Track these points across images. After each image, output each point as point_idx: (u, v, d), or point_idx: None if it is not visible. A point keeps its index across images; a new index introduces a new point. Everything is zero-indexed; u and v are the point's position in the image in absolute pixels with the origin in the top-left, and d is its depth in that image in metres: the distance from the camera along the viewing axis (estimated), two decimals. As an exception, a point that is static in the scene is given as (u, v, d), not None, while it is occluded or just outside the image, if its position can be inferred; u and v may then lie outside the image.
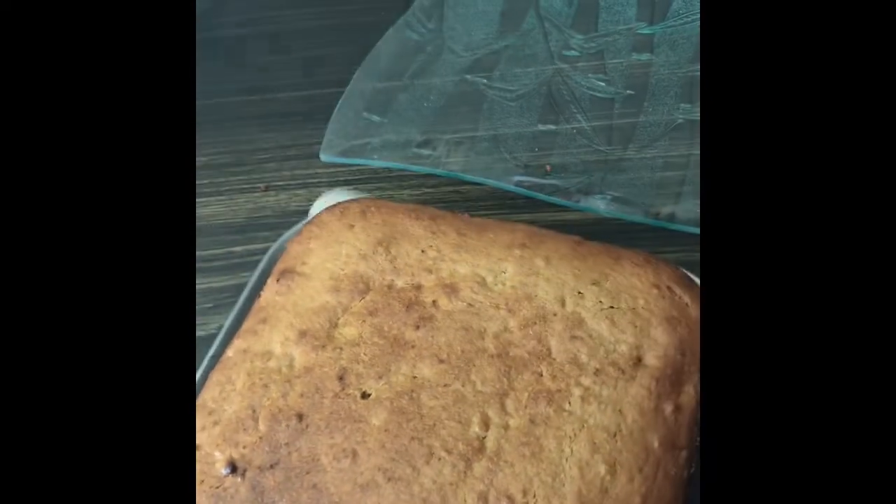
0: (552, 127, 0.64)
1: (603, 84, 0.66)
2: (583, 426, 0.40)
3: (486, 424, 0.40)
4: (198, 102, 0.69)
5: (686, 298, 0.45)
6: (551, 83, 0.67)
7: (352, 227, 0.48)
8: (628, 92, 0.66)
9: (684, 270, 0.47)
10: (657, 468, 0.39)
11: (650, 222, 0.57)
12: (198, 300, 0.55)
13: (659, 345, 0.42)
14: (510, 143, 0.63)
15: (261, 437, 0.41)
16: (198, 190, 0.63)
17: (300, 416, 0.41)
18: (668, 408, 0.41)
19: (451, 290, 0.44)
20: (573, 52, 0.69)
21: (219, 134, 0.67)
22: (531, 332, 0.42)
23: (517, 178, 0.60)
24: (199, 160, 0.65)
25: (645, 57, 0.68)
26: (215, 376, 0.44)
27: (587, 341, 0.42)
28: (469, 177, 0.61)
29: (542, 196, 0.59)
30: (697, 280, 0.47)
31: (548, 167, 0.61)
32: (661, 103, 0.64)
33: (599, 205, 0.58)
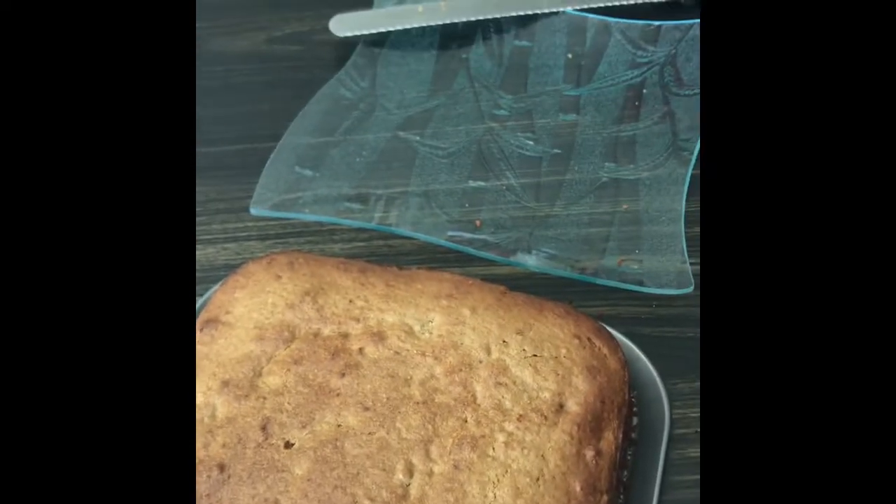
0: (482, 183, 0.67)
1: (531, 143, 0.70)
2: (506, 471, 0.41)
3: (410, 471, 0.41)
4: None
5: (605, 349, 0.48)
6: (482, 141, 0.70)
7: (279, 277, 0.50)
8: (555, 151, 0.70)
9: (602, 324, 0.50)
10: (579, 513, 0.41)
11: (575, 277, 0.60)
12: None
13: (580, 392, 0.45)
14: (441, 199, 0.66)
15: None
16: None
17: (222, 467, 0.42)
18: (590, 453, 0.43)
19: (378, 338, 0.46)
20: (503, 112, 0.73)
21: None
22: (457, 379, 0.44)
23: (449, 233, 0.63)
24: (125, 212, 0.66)
25: (571, 117, 0.72)
26: None
27: (511, 388, 0.44)
28: (401, 231, 0.63)
29: (471, 250, 0.62)
30: (615, 333, 0.51)
31: (477, 222, 0.64)
32: (586, 162, 0.68)
33: (529, 260, 0.61)
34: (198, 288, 0.55)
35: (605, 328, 0.49)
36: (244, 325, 0.47)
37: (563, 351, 0.46)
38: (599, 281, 0.60)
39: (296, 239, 0.63)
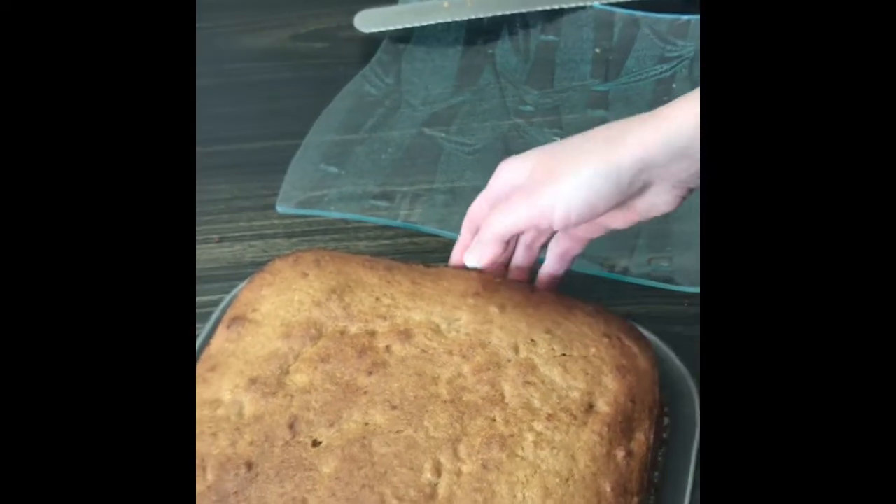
0: (508, 181, 0.67)
1: (558, 139, 0.70)
2: (535, 471, 0.41)
3: (438, 471, 0.41)
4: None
5: (635, 349, 0.47)
6: (508, 137, 0.70)
7: (305, 275, 0.50)
8: (583, 147, 0.69)
9: (632, 322, 0.50)
10: (609, 514, 0.41)
11: (605, 275, 0.60)
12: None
13: (610, 392, 0.44)
14: (467, 196, 0.65)
15: (209, 487, 0.41)
16: (149, 241, 0.64)
17: (249, 465, 0.42)
18: (620, 453, 0.43)
19: (405, 336, 0.46)
20: (529, 108, 0.72)
21: None
22: (485, 378, 0.44)
23: None
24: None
25: (600, 113, 0.72)
26: None
27: (540, 387, 0.44)
28: (426, 228, 0.63)
29: (498, 248, 0.61)
30: (645, 332, 0.50)
31: None
32: (614, 158, 0.68)
33: None
34: (224, 285, 0.55)
35: (635, 327, 0.49)
36: (271, 323, 0.47)
37: (593, 350, 0.46)
38: (629, 279, 0.59)
39: (321, 236, 0.63)
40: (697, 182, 0.43)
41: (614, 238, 0.62)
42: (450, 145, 0.69)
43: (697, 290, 0.57)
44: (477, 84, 0.75)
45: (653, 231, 0.62)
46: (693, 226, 0.61)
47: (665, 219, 0.62)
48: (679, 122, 0.40)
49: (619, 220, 0.47)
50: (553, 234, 0.50)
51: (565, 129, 0.70)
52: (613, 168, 0.42)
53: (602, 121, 0.71)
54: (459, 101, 0.74)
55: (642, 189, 0.43)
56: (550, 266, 0.51)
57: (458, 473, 0.41)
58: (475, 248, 0.47)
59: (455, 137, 0.70)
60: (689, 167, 0.42)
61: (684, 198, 0.45)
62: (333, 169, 0.68)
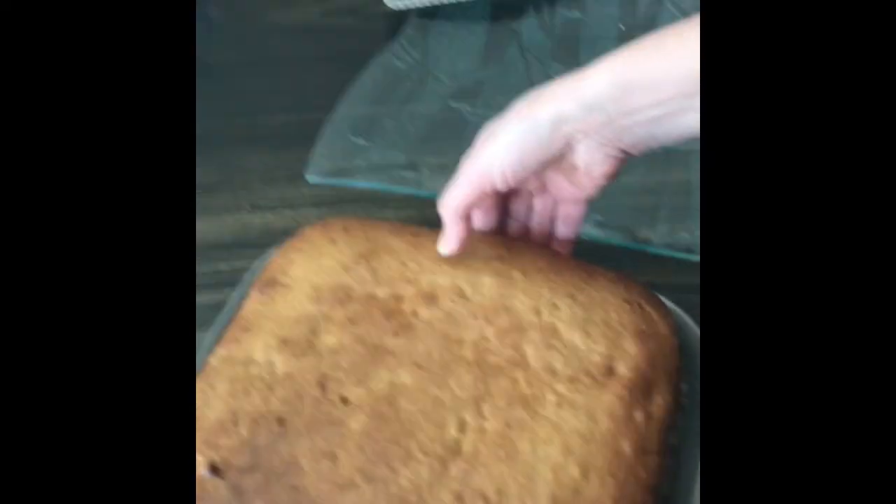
0: (534, 153, 0.68)
1: None
2: (557, 430, 0.43)
3: (462, 427, 0.43)
4: (189, 125, 0.72)
5: (655, 315, 0.48)
6: (532, 112, 0.71)
7: (334, 241, 0.51)
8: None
9: (653, 291, 0.51)
10: (628, 473, 0.42)
11: (627, 245, 0.61)
12: (181, 316, 0.58)
13: (630, 356, 0.46)
14: (492, 168, 0.67)
15: (242, 441, 0.43)
16: (185, 208, 0.66)
17: (280, 421, 0.44)
18: (640, 415, 0.44)
19: (431, 299, 0.48)
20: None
21: (206, 154, 0.70)
22: (508, 341, 0.46)
23: None
24: (188, 181, 0.69)
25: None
26: (198, 383, 0.46)
27: (562, 350, 0.46)
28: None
29: (522, 219, 0.63)
30: (665, 300, 0.51)
31: None
32: (639, 133, 0.69)
33: (581, 228, 0.62)
34: (255, 251, 0.57)
35: (655, 294, 0.50)
36: (301, 287, 0.49)
37: (614, 315, 0.47)
38: (651, 249, 0.60)
39: (350, 206, 0.65)
40: (630, 145, 0.45)
41: (636, 209, 0.63)
42: (475, 119, 0.71)
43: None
44: (503, 59, 0.76)
45: (674, 202, 0.63)
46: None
47: (685, 191, 0.64)
48: (592, 80, 0.43)
49: (575, 184, 0.48)
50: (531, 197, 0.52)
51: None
52: (533, 122, 0.45)
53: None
54: (485, 75, 0.75)
55: (568, 146, 0.45)
56: (558, 231, 0.53)
57: (482, 430, 0.43)
58: (441, 234, 0.49)
59: (480, 111, 0.71)
60: (607, 123, 0.43)
61: (620, 160, 0.46)
62: (362, 141, 0.69)
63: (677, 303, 0.53)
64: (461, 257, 0.49)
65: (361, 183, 0.66)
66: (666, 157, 0.65)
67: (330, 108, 0.72)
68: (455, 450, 0.42)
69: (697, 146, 0.64)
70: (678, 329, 0.50)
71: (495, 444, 0.42)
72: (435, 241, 0.50)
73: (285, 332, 0.47)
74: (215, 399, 0.45)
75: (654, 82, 0.41)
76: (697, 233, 0.60)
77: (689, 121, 0.42)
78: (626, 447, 0.43)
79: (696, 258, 0.59)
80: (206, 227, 0.64)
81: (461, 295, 0.48)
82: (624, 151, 0.46)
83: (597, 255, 0.54)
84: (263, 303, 0.49)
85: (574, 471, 0.41)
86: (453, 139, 0.69)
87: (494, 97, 0.73)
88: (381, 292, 0.48)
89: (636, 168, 0.65)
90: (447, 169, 0.67)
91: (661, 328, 0.48)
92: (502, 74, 0.75)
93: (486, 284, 0.48)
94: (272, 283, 0.50)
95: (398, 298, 0.48)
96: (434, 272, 0.49)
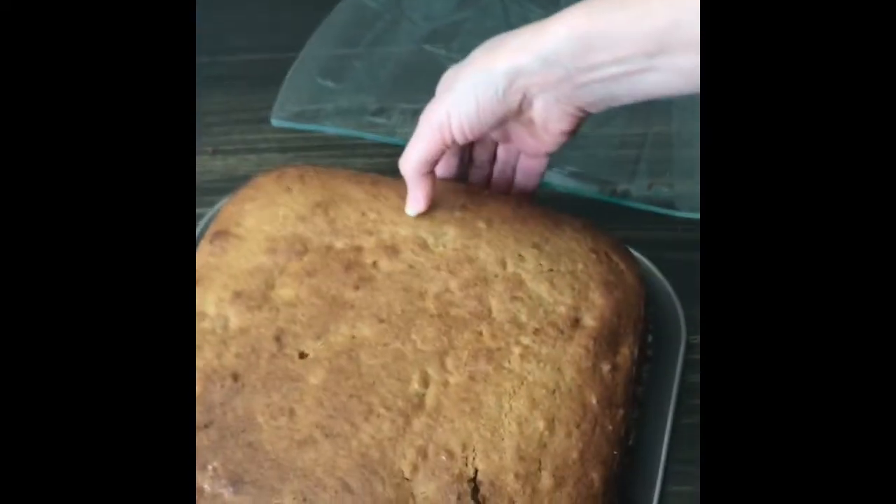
0: (510, 100, 0.67)
1: None
2: (522, 383, 0.42)
3: (425, 382, 0.42)
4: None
5: (622, 265, 0.48)
6: (511, 56, 0.70)
7: (289, 189, 0.49)
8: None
9: (620, 241, 0.50)
10: (595, 424, 0.42)
11: (604, 198, 0.60)
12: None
13: (596, 307, 0.45)
14: (467, 115, 0.65)
15: (195, 398, 0.42)
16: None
17: (235, 376, 0.42)
18: (606, 367, 0.44)
19: (392, 251, 0.46)
20: (533, 26, 0.72)
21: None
22: (472, 293, 0.45)
23: None
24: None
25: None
26: None
27: (527, 302, 0.45)
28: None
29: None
30: (634, 252, 0.51)
31: None
32: (618, 80, 0.68)
33: (555, 178, 0.61)
34: (217, 198, 0.55)
35: (622, 243, 0.49)
36: (255, 238, 0.47)
37: (580, 266, 0.47)
38: (628, 203, 0.59)
39: (318, 153, 0.63)
40: (589, 103, 0.43)
41: (615, 162, 0.62)
42: (450, 63, 0.68)
43: (697, 216, 0.57)
44: (480, 1, 0.74)
45: (654, 156, 0.62)
46: (694, 153, 0.61)
47: (666, 144, 0.63)
48: (550, 34, 0.42)
49: (535, 137, 0.47)
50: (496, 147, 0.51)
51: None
52: (489, 75, 0.43)
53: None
54: (462, 17, 0.73)
55: (525, 100, 0.44)
56: (518, 182, 0.52)
57: (446, 384, 0.42)
58: (408, 194, 0.47)
59: (456, 55, 0.69)
60: (565, 79, 0.42)
61: (579, 119, 0.45)
62: (330, 83, 0.67)
63: (652, 259, 0.53)
64: (423, 207, 0.48)
65: (330, 128, 0.64)
66: (647, 108, 0.64)
67: (297, 47, 0.69)
68: (418, 404, 0.41)
69: (679, 99, 0.64)
70: (645, 279, 0.49)
71: (459, 399, 0.41)
72: (396, 191, 0.49)
73: (239, 284, 0.45)
74: (166, 355, 0.44)
75: (614, 38, 0.40)
76: (678, 187, 0.60)
77: (650, 80, 0.40)
78: (593, 399, 0.43)
79: (676, 213, 0.58)
80: (165, 171, 0.62)
81: (423, 246, 0.47)
82: (582, 109, 0.44)
83: (570, 209, 0.53)
84: (215, 254, 0.47)
85: (540, 424, 0.41)
86: (427, 84, 0.66)
87: (471, 41, 0.69)
88: (340, 243, 0.47)
89: (616, 119, 0.65)
90: (419, 115, 0.65)
91: (629, 278, 0.47)
92: (479, 17, 0.72)
93: (449, 235, 0.47)
94: (224, 234, 0.48)
95: (358, 250, 0.46)
96: (395, 223, 0.47)
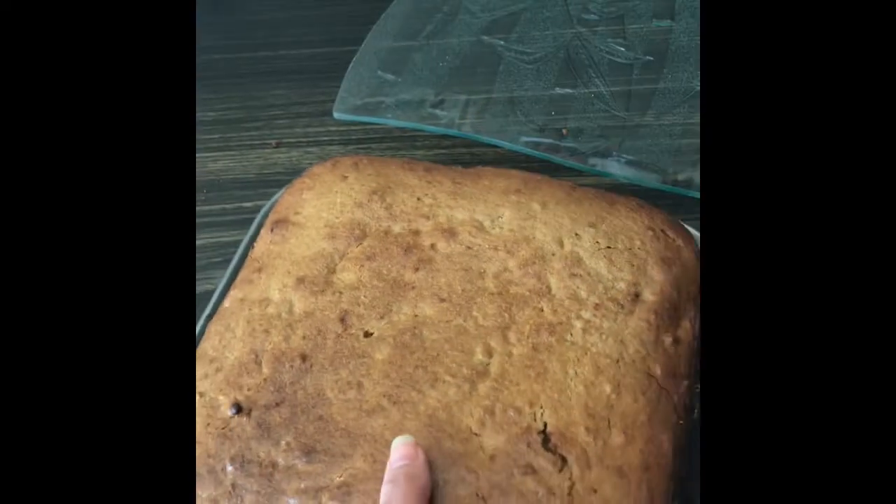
0: (570, 91, 0.67)
1: (622, 49, 0.70)
2: (586, 353, 0.43)
3: (489, 353, 0.43)
4: (209, 57, 0.70)
5: (679, 241, 0.48)
6: (569, 47, 0.70)
7: (345, 178, 0.51)
8: (647, 58, 0.69)
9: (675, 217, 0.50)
10: (660, 393, 0.42)
11: (666, 188, 0.60)
12: (206, 254, 0.58)
13: (655, 282, 0.46)
14: (526, 106, 0.66)
15: (265, 379, 0.44)
16: (208, 144, 0.65)
17: (304, 357, 0.44)
18: (668, 339, 0.44)
19: (450, 233, 0.48)
20: (592, 17, 0.72)
21: (230, 89, 0.69)
22: (531, 271, 0.46)
23: (532, 139, 0.64)
24: (210, 115, 0.67)
25: (665, 23, 0.71)
26: (213, 327, 0.47)
27: (586, 279, 0.46)
28: (485, 138, 0.63)
29: (557, 159, 0.62)
30: (689, 228, 0.51)
31: (565, 130, 0.65)
32: (680, 70, 0.67)
33: (614, 168, 0.61)
34: (279, 190, 0.58)
35: (678, 221, 0.50)
36: (314, 225, 0.49)
37: (638, 242, 0.47)
38: (691, 193, 0.59)
39: (378, 144, 0.64)
40: None
41: (677, 151, 0.62)
42: (509, 54, 0.70)
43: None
44: (539, -9, 0.75)
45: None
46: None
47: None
48: None
49: None
50: None
51: (629, 39, 0.70)
52: None
53: (667, 32, 0.71)
54: (520, 8, 0.73)
55: None
56: None
57: (510, 354, 0.43)
58: None
59: (515, 46, 0.70)
60: None
61: None
62: (391, 76, 0.69)
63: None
64: (477, 190, 0.49)
65: (391, 121, 0.65)
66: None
67: (357, 41, 0.70)
68: (483, 372, 0.42)
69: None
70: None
71: (524, 366, 0.42)
72: (449, 177, 0.50)
73: (301, 270, 0.48)
74: (234, 340, 0.46)
75: None
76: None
77: None
78: (657, 369, 0.43)
79: None
80: (229, 164, 0.64)
81: (480, 228, 0.48)
82: None
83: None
84: (276, 242, 0.49)
85: (606, 387, 0.42)
86: (486, 75, 0.68)
87: (529, 31, 0.71)
88: (398, 227, 0.49)
89: (678, 109, 0.64)
90: (479, 107, 0.67)
91: (685, 254, 0.47)
92: (537, 7, 0.73)
93: (505, 217, 0.48)
94: (283, 223, 0.50)
95: (415, 233, 0.48)
96: (451, 207, 0.49)
